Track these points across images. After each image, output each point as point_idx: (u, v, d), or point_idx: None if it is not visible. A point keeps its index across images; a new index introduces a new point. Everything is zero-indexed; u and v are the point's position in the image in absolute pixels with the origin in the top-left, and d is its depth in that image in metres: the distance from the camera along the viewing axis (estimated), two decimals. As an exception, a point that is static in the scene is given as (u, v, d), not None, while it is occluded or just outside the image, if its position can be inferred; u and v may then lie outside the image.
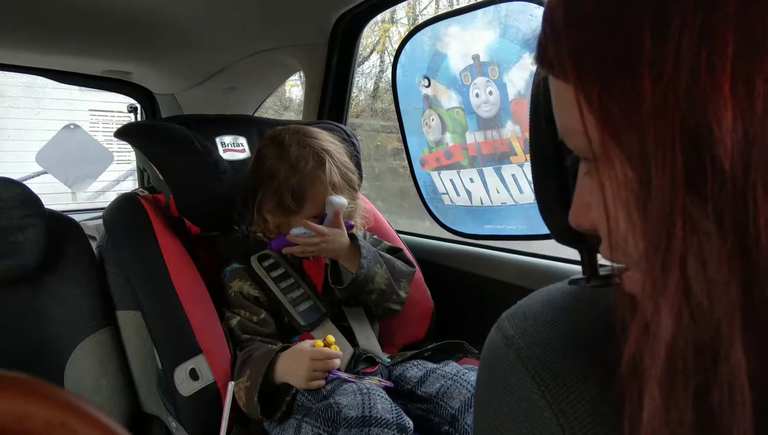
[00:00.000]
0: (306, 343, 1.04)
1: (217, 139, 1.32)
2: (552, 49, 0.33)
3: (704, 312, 0.29)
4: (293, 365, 1.02)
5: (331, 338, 1.06)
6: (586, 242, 0.51)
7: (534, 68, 0.40)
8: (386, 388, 1.00)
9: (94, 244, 1.29)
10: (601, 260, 0.47)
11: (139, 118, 2.19)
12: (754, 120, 0.26)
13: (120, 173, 4.40)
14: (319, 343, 1.04)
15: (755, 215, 0.26)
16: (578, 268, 0.39)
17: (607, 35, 0.30)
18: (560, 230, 0.53)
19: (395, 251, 1.27)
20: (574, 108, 0.32)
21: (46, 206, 1.17)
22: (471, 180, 1.27)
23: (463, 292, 1.41)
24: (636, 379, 0.31)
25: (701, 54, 0.26)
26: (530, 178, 1.14)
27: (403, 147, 1.40)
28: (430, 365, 1.11)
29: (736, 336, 0.27)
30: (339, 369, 1.03)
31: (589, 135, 0.32)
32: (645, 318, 0.31)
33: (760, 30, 0.26)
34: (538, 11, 1.03)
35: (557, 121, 0.37)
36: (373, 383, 0.99)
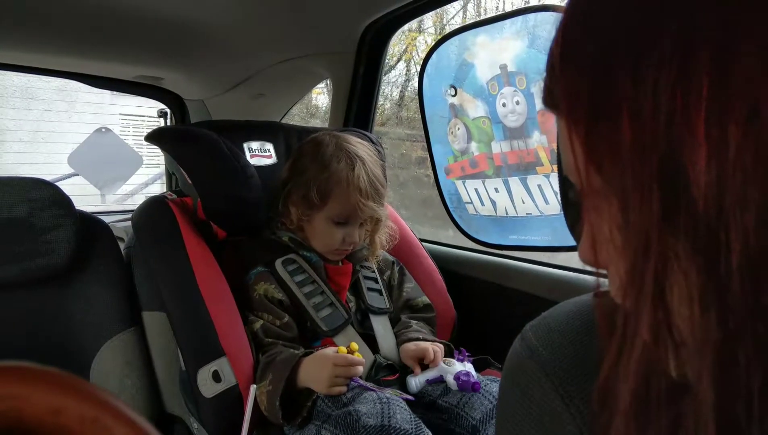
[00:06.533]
0: (329, 349, 1.05)
1: (245, 145, 1.34)
2: (552, 89, 0.36)
3: (678, 348, 0.29)
4: (316, 370, 1.02)
5: (354, 345, 1.06)
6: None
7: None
8: (407, 400, 1.00)
9: (122, 246, 1.31)
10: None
11: (168, 123, 2.23)
12: (726, 162, 0.26)
13: (149, 176, 4.47)
14: (343, 349, 1.04)
15: (728, 255, 0.26)
16: (604, 281, 0.38)
17: (593, 77, 0.32)
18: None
19: (429, 309, 1.29)
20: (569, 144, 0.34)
21: (76, 207, 1.19)
22: (496, 190, 1.26)
23: (487, 302, 1.40)
24: (606, 410, 0.32)
25: (677, 97, 0.27)
26: (556, 188, 1.14)
27: (427, 156, 1.40)
28: (452, 375, 1.10)
29: (706, 372, 0.28)
30: (360, 377, 1.03)
31: (580, 171, 0.33)
32: (619, 350, 0.32)
33: (732, 76, 0.26)
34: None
35: (561, 156, 0.39)
36: (394, 395, 0.98)
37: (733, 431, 0.27)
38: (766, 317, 0.26)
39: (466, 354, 1.14)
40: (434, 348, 1.12)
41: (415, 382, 1.08)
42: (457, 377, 1.04)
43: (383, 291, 1.25)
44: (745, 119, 0.26)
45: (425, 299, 1.30)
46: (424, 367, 1.11)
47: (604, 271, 0.36)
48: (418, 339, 1.16)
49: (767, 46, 0.26)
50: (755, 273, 0.26)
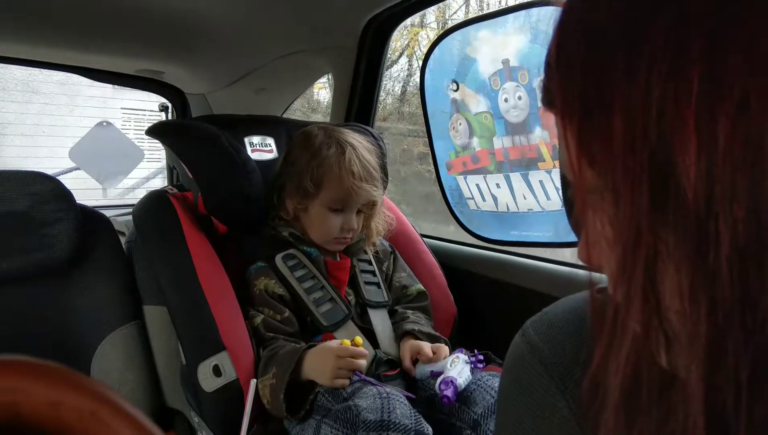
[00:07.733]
0: (333, 342, 1.05)
1: (246, 139, 1.33)
2: (549, 86, 0.36)
3: (669, 340, 0.30)
4: (319, 362, 1.02)
5: (359, 340, 1.06)
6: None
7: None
8: (408, 396, 0.99)
9: (123, 240, 1.31)
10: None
11: (170, 117, 2.23)
12: (716, 154, 0.27)
13: (150, 171, 4.46)
14: (347, 342, 1.04)
15: (717, 246, 0.27)
16: (600, 276, 0.38)
17: (586, 72, 0.32)
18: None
19: (423, 296, 1.29)
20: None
21: (77, 201, 1.19)
22: (497, 185, 1.26)
23: (487, 298, 1.40)
24: (596, 402, 0.32)
25: (668, 90, 0.28)
26: (558, 184, 1.13)
27: (429, 151, 1.40)
28: (452, 370, 1.10)
29: (696, 364, 0.28)
30: (361, 371, 1.03)
31: (574, 166, 0.34)
32: (609, 341, 0.32)
33: (723, 68, 0.27)
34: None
35: (558, 154, 0.39)
36: (395, 391, 0.98)
37: (722, 423, 0.27)
38: (755, 309, 0.26)
39: (480, 357, 1.10)
40: (433, 347, 1.11)
41: (421, 370, 1.09)
42: (440, 381, 1.00)
43: (381, 284, 1.25)
44: (734, 111, 0.26)
45: (419, 287, 1.30)
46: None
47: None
48: (414, 333, 1.15)
49: (758, 39, 0.26)
50: (744, 264, 0.26)
